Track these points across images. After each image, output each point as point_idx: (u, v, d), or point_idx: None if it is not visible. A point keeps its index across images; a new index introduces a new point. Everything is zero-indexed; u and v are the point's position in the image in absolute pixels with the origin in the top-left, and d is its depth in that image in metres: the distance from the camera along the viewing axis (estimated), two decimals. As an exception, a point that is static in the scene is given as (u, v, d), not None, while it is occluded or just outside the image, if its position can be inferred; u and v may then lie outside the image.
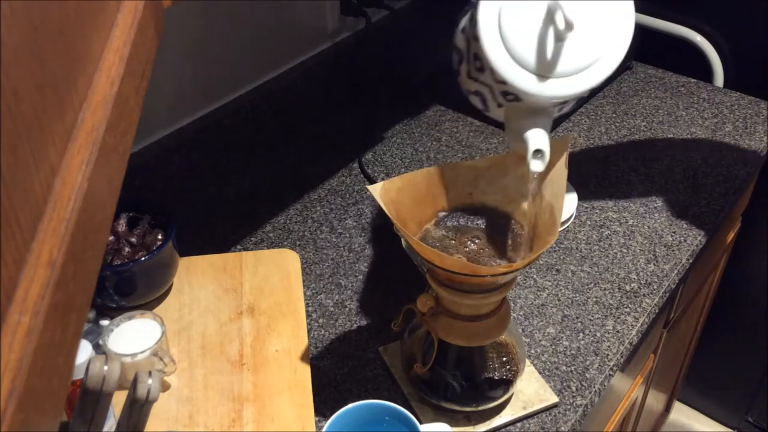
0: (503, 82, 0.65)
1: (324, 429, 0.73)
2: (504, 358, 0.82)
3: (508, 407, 0.83)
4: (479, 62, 0.67)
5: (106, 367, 0.59)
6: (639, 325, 0.94)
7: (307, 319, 0.94)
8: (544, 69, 0.64)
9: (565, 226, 1.08)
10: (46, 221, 0.30)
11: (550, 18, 0.62)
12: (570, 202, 1.08)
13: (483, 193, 0.78)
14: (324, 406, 0.84)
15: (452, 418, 0.82)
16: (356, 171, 1.19)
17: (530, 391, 0.85)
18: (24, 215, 0.28)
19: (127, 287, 0.87)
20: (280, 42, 1.21)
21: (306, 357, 0.87)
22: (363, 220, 1.10)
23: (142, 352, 0.79)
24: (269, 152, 1.22)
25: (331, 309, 0.96)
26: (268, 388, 0.84)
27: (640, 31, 1.42)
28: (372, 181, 1.16)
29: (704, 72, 1.44)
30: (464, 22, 0.69)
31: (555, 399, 0.84)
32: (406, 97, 1.35)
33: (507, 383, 0.81)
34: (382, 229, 1.07)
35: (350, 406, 0.73)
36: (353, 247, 1.05)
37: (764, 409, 1.76)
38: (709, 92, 1.38)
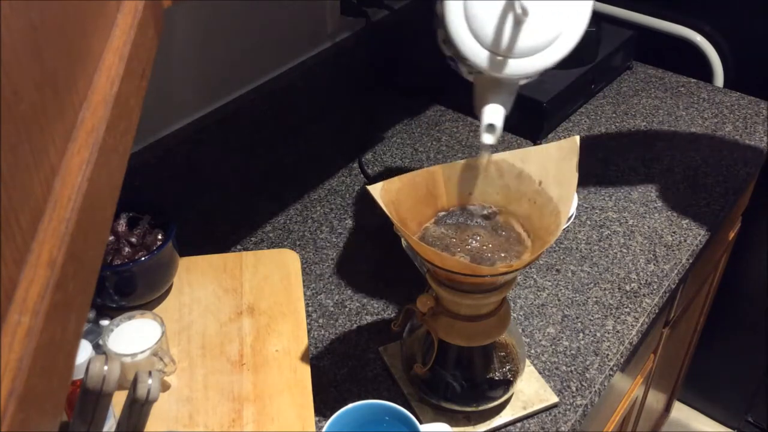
0: (464, 58, 0.69)
1: (324, 429, 0.73)
2: (504, 358, 0.82)
3: (508, 407, 0.83)
4: (446, 33, 0.70)
5: (106, 367, 0.59)
6: (639, 325, 0.94)
7: (307, 319, 0.94)
8: (503, 49, 0.67)
9: (565, 226, 1.08)
10: (46, 221, 0.30)
11: (509, 4, 0.65)
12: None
13: (483, 193, 0.78)
14: (324, 406, 0.84)
15: (452, 418, 0.82)
16: (356, 171, 1.19)
17: (530, 391, 0.85)
18: (24, 215, 0.28)
19: (127, 287, 0.87)
20: (280, 42, 1.21)
21: (306, 357, 0.87)
22: (363, 220, 1.10)
23: (142, 352, 0.79)
24: (269, 152, 1.22)
25: (331, 309, 0.96)
26: (268, 388, 0.84)
27: (640, 31, 1.43)
28: (372, 181, 1.16)
29: (704, 72, 1.44)
30: None
31: (555, 399, 0.84)
32: (406, 97, 1.35)
33: (507, 383, 0.81)
34: (382, 229, 1.07)
35: (350, 406, 0.73)
36: (353, 247, 1.05)
37: (764, 409, 1.76)
38: (709, 92, 1.38)
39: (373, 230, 1.08)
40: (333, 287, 0.99)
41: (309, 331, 0.92)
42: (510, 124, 1.26)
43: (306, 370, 0.86)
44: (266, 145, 1.22)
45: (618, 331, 0.93)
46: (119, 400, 0.67)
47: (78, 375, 0.69)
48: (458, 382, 0.80)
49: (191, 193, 1.12)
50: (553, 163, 0.74)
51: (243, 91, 1.18)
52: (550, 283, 1.00)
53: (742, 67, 1.43)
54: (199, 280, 0.97)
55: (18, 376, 0.26)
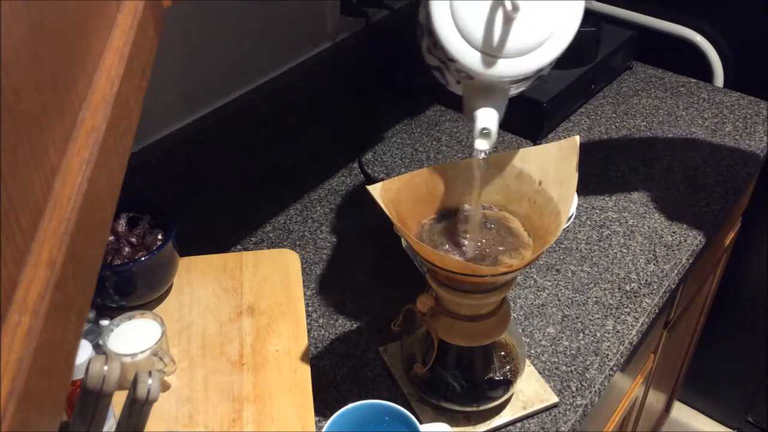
0: (453, 60, 0.66)
1: (324, 429, 0.73)
2: (504, 358, 0.82)
3: (508, 407, 0.83)
4: (433, 38, 0.68)
5: (106, 367, 0.59)
6: (639, 325, 0.94)
7: (307, 319, 0.94)
8: (493, 49, 0.65)
9: (565, 226, 1.08)
10: (46, 221, 0.30)
11: (498, 2, 0.63)
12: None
13: (483, 193, 0.78)
14: (324, 406, 0.84)
15: (452, 418, 0.82)
16: (356, 171, 1.19)
17: (530, 391, 0.85)
18: (24, 215, 0.28)
19: (127, 287, 0.87)
20: (280, 42, 1.21)
21: (306, 357, 0.87)
22: (363, 220, 1.10)
23: (142, 352, 0.79)
24: (269, 152, 1.22)
25: (331, 309, 0.96)
26: (268, 388, 0.84)
27: (640, 31, 1.43)
28: (372, 181, 1.16)
29: (704, 72, 1.44)
30: None
31: (555, 399, 0.84)
32: (406, 97, 1.35)
33: (507, 383, 0.81)
34: (382, 229, 1.07)
35: (350, 406, 0.73)
36: (353, 247, 1.05)
37: (764, 409, 1.76)
38: (709, 92, 1.38)
39: (373, 230, 1.08)
40: (333, 287, 0.99)
41: (309, 331, 0.92)
42: (510, 124, 1.27)
43: (306, 370, 0.86)
44: (266, 145, 1.22)
45: (618, 331, 0.93)
46: (119, 400, 0.67)
47: (78, 375, 0.69)
48: (458, 382, 0.80)
49: (191, 193, 1.12)
50: (553, 163, 0.74)
51: (243, 91, 1.18)
52: (550, 283, 1.00)
53: (742, 67, 1.43)
54: (199, 280, 0.97)
55: (18, 376, 0.26)
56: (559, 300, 0.97)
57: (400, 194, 0.73)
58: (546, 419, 0.83)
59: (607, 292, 0.98)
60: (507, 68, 0.66)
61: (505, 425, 0.83)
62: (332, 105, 1.32)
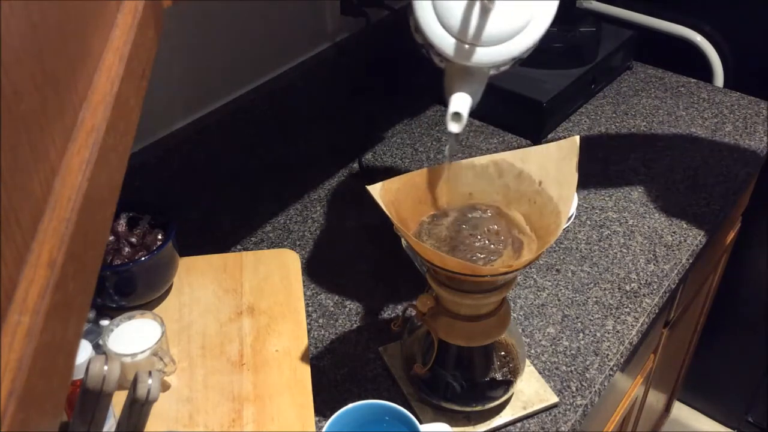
0: (432, 46, 0.68)
1: (324, 429, 0.73)
2: (504, 358, 0.82)
3: (508, 407, 0.83)
4: (414, 22, 0.69)
5: (106, 367, 0.59)
6: (639, 325, 0.94)
7: (307, 319, 0.94)
8: (470, 37, 0.66)
9: (565, 226, 1.08)
10: (46, 221, 0.30)
11: None
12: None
13: (483, 193, 0.78)
14: (324, 406, 0.84)
15: (452, 418, 0.82)
16: (356, 171, 1.19)
17: (530, 391, 0.85)
18: (24, 215, 0.28)
19: (127, 287, 0.87)
20: (280, 42, 1.21)
21: (306, 357, 0.87)
22: (363, 220, 1.10)
23: (142, 352, 0.79)
24: (269, 152, 1.22)
25: (331, 309, 0.96)
26: (268, 388, 0.84)
27: (640, 31, 1.43)
28: (372, 181, 1.16)
29: (704, 72, 1.45)
30: None
31: (555, 399, 0.84)
32: (406, 97, 1.35)
33: (507, 383, 0.81)
34: (382, 229, 1.07)
35: (350, 406, 0.73)
36: (353, 247, 1.05)
37: (764, 409, 1.76)
38: (709, 92, 1.38)
39: (373, 230, 1.08)
40: (333, 287, 0.99)
41: (309, 331, 0.92)
42: (510, 124, 1.27)
43: (306, 370, 0.86)
44: (266, 145, 1.22)
45: (618, 331, 0.93)
46: (119, 400, 0.67)
47: (78, 375, 0.69)
48: (458, 382, 0.80)
49: (191, 193, 1.12)
50: (553, 163, 0.74)
51: (243, 91, 1.18)
52: (550, 283, 1.00)
53: (742, 67, 1.43)
54: (199, 280, 0.97)
55: (18, 376, 0.26)
56: (559, 300, 0.97)
57: (400, 194, 0.73)
58: (546, 419, 0.83)
59: (607, 292, 0.98)
60: (484, 56, 0.67)
61: (505, 425, 0.83)
62: (332, 105, 1.32)
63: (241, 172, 1.18)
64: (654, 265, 1.02)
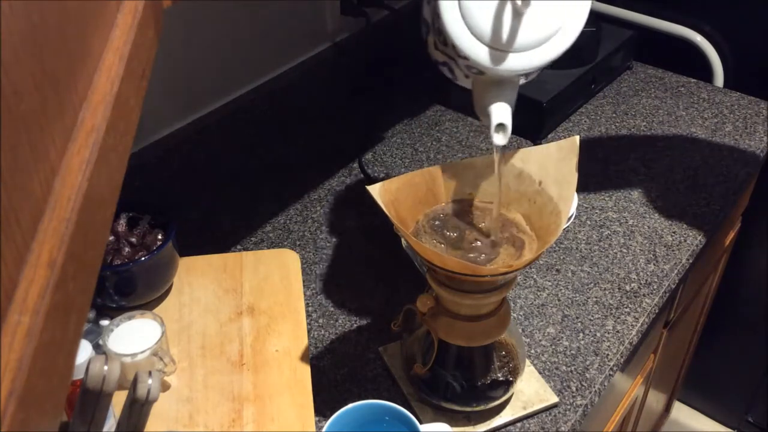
0: (465, 57, 0.66)
1: (324, 429, 0.73)
2: (504, 359, 0.82)
3: (508, 407, 0.83)
4: (442, 36, 0.68)
5: (106, 367, 0.59)
6: (639, 325, 0.94)
7: (307, 319, 0.94)
8: (504, 43, 0.65)
9: (565, 226, 1.08)
10: (46, 221, 0.30)
11: None
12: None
13: (483, 193, 0.78)
14: (324, 406, 0.84)
15: (452, 418, 0.82)
16: (356, 171, 1.19)
17: (530, 391, 0.85)
18: (24, 215, 0.28)
19: (127, 287, 0.87)
20: (280, 42, 1.21)
21: (306, 357, 0.87)
22: (363, 220, 1.10)
23: (142, 352, 0.79)
24: (269, 152, 1.22)
25: (331, 309, 0.96)
26: (268, 388, 0.84)
27: (640, 31, 1.43)
28: (372, 181, 1.16)
29: (704, 72, 1.44)
30: None
31: (555, 399, 0.84)
32: (406, 97, 1.35)
33: (507, 383, 0.81)
34: (382, 229, 1.07)
35: (350, 406, 0.73)
36: (353, 247, 1.05)
37: (764, 409, 1.76)
38: (709, 92, 1.38)
39: (373, 230, 1.08)
40: (333, 287, 0.99)
41: (309, 331, 0.92)
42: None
43: (306, 370, 0.86)
44: (266, 145, 1.22)
45: (618, 331, 0.93)
46: (119, 400, 0.67)
47: (78, 375, 0.69)
48: (458, 382, 0.80)
49: (191, 193, 1.12)
50: (553, 163, 0.74)
51: (243, 91, 1.18)
52: (550, 283, 1.00)
53: (742, 67, 1.43)
54: (199, 280, 0.97)
55: (18, 376, 0.26)
56: (559, 300, 0.97)
57: (399, 194, 0.73)
58: (546, 419, 0.83)
59: (607, 292, 0.98)
60: (517, 62, 0.66)
61: (505, 425, 0.83)
62: (332, 105, 1.32)
63: (241, 172, 1.18)
64: (654, 265, 1.02)
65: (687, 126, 1.29)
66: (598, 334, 0.93)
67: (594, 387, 0.87)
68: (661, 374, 1.50)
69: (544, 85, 1.23)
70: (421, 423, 0.78)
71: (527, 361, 0.88)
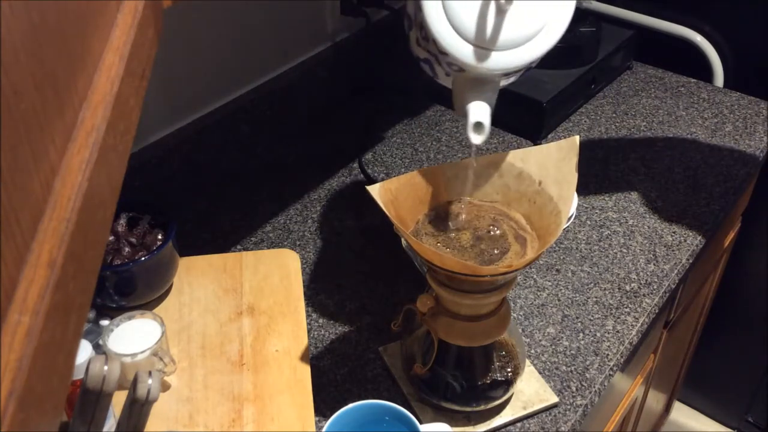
0: (445, 54, 0.66)
1: (324, 429, 0.73)
2: (504, 358, 0.82)
3: (508, 407, 0.83)
4: (424, 32, 0.67)
5: (106, 367, 0.59)
6: (639, 325, 0.94)
7: (307, 319, 0.94)
8: (486, 41, 0.64)
9: (565, 226, 1.08)
10: (46, 221, 0.30)
11: None
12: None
13: (483, 193, 0.78)
14: (324, 406, 0.84)
15: (452, 418, 0.82)
16: (356, 171, 1.19)
17: (530, 391, 0.85)
18: (24, 215, 0.28)
19: (127, 287, 0.87)
20: (280, 42, 1.21)
21: (306, 357, 0.87)
22: (363, 220, 1.10)
23: (142, 352, 0.79)
24: (269, 152, 1.22)
25: (331, 309, 0.96)
26: (268, 388, 0.84)
27: (640, 31, 1.43)
28: (372, 181, 1.16)
29: (704, 72, 1.44)
30: None
31: (555, 399, 0.84)
32: (406, 97, 1.35)
33: (507, 383, 0.81)
34: (382, 229, 1.07)
35: (350, 406, 0.73)
36: (353, 247, 1.05)
37: (764, 409, 1.76)
38: (709, 92, 1.38)
39: (373, 230, 1.08)
40: (333, 287, 0.99)
41: (309, 331, 0.92)
42: (510, 124, 1.27)
43: (306, 370, 0.86)
44: (266, 145, 1.22)
45: (618, 331, 0.93)
46: (119, 400, 0.67)
47: (78, 375, 0.69)
48: (458, 382, 0.80)
49: (191, 193, 1.12)
50: (553, 163, 0.74)
51: (243, 91, 1.18)
52: (550, 283, 1.00)
53: (742, 67, 1.43)
54: (199, 280, 0.97)
55: (18, 376, 0.26)
56: (559, 300, 0.97)
57: (399, 194, 0.73)
58: (546, 419, 0.83)
59: (607, 292, 0.98)
60: (499, 61, 0.65)
61: (505, 425, 0.83)
62: (332, 105, 1.32)
63: (241, 172, 1.18)
64: (654, 265, 1.02)
65: (687, 126, 1.29)
66: (598, 334, 0.93)
67: (594, 387, 0.87)
68: (661, 374, 1.50)
69: (544, 85, 1.23)
70: (421, 423, 0.78)
71: (527, 361, 0.88)
